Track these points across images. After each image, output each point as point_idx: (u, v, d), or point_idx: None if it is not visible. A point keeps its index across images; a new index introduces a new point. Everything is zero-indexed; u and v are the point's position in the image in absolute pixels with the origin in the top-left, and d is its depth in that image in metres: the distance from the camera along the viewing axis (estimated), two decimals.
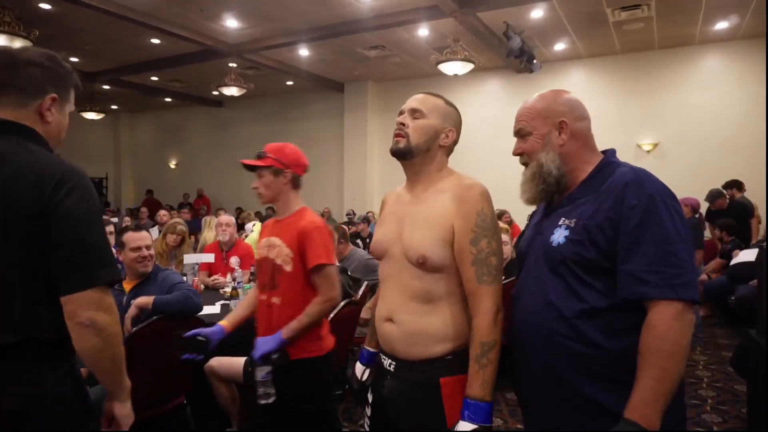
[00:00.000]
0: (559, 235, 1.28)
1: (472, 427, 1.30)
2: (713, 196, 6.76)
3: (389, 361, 1.51)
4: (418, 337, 1.43)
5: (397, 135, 1.50)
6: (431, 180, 1.51)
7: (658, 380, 1.10)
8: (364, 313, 3.29)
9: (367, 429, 1.62)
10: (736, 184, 7.30)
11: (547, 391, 1.28)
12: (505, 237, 4.18)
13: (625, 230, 1.19)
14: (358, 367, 1.72)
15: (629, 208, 1.19)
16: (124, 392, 1.34)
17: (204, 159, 14.53)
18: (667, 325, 1.11)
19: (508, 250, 4.14)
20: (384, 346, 1.54)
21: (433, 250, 1.40)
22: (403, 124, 1.49)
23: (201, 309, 2.71)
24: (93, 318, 1.22)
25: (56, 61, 1.38)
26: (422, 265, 1.41)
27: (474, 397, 1.33)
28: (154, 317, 2.42)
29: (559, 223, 1.31)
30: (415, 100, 1.53)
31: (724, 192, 6.96)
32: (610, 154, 1.38)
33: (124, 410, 1.34)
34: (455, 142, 1.54)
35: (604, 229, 1.22)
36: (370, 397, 1.62)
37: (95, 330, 1.23)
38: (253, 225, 6.37)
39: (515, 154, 1.44)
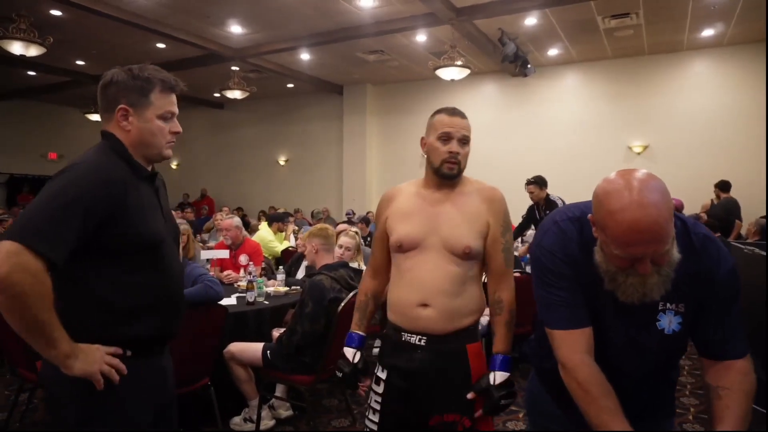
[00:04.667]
0: (668, 322, 1.27)
1: (507, 375, 1.66)
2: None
3: (418, 337, 1.70)
4: (453, 314, 1.69)
5: (451, 163, 1.69)
6: (456, 184, 1.77)
7: (746, 415, 1.23)
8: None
9: (376, 407, 1.75)
10: (721, 185, 7.62)
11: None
12: None
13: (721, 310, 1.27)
14: (349, 351, 1.85)
15: (728, 297, 1.26)
16: (57, 358, 1.26)
17: (205, 160, 14.76)
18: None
19: None
20: (412, 327, 1.72)
21: (475, 242, 1.69)
22: (457, 153, 1.70)
23: (221, 298, 2.97)
24: None
25: (132, 74, 1.43)
26: (466, 254, 1.68)
27: (506, 352, 1.69)
28: None
29: (661, 307, 1.26)
30: (464, 128, 1.72)
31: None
32: None
33: (72, 371, 1.27)
34: None
35: (703, 308, 1.27)
36: (382, 375, 1.75)
37: (2, 285, 1.17)
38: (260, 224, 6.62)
39: (645, 272, 1.15)
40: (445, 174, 1.71)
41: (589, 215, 1.23)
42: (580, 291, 1.29)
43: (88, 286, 1.34)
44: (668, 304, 1.25)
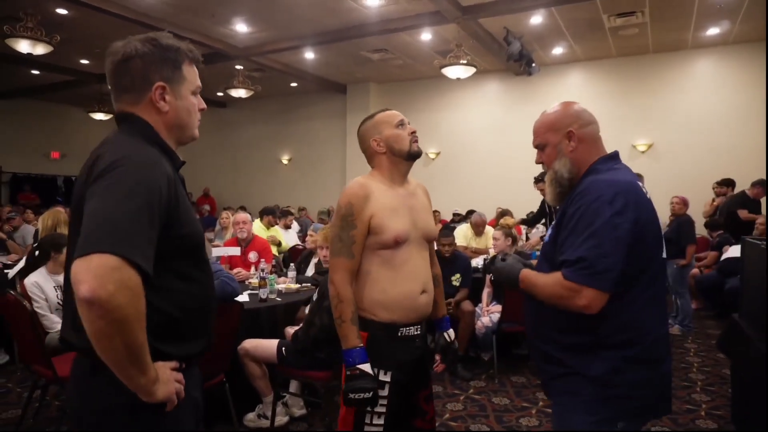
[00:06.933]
0: (548, 235, 1.59)
1: (453, 331, 2.06)
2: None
3: (415, 327, 1.82)
4: (432, 296, 1.91)
5: (417, 140, 1.85)
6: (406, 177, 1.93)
7: (542, 289, 1.47)
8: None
9: (381, 410, 1.72)
10: (727, 183, 7.61)
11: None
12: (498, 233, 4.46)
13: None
14: (367, 366, 1.67)
15: (572, 224, 1.43)
16: (146, 386, 1.07)
17: (207, 159, 14.72)
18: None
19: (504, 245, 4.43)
20: (411, 318, 1.78)
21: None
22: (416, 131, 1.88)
23: (238, 294, 2.97)
24: (95, 292, 0.93)
25: (157, 44, 1.22)
26: (434, 240, 1.98)
27: (447, 314, 2.07)
28: None
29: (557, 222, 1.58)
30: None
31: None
32: (606, 158, 1.57)
33: (156, 397, 1.09)
34: None
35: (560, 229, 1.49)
36: (386, 377, 1.74)
37: (100, 309, 0.94)
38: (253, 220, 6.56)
39: (537, 162, 1.64)
40: (416, 152, 1.85)
41: None
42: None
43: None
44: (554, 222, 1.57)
